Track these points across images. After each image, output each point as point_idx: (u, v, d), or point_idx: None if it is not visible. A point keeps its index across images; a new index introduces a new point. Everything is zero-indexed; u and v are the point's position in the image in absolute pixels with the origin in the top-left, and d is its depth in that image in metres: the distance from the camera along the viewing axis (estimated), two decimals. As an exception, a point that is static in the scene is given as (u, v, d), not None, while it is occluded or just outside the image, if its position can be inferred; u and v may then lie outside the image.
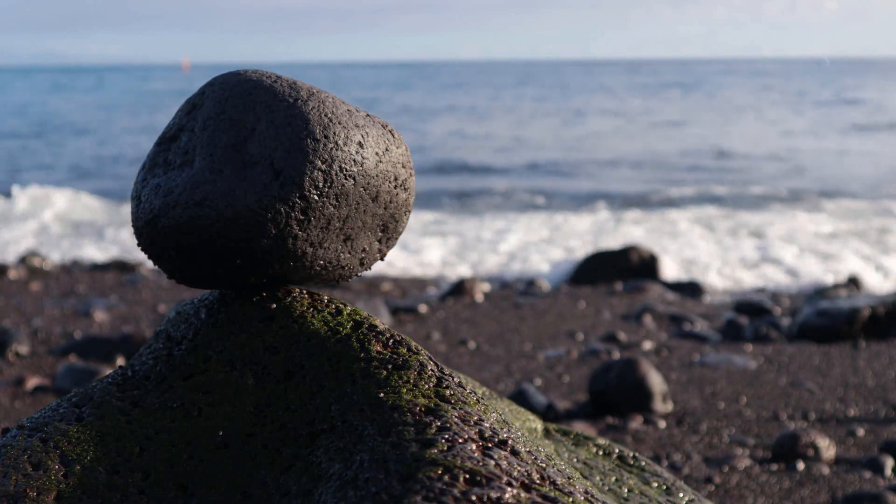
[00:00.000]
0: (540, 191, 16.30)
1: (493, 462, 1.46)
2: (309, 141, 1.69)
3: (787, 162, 20.49)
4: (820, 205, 14.47)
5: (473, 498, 1.36)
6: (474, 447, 1.49)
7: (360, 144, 1.74)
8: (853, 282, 8.86)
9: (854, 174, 18.28)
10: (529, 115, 35.47)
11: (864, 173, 18.45)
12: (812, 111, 35.82)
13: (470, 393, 1.69)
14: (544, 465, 1.57)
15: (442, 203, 15.00)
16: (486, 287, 8.91)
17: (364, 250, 1.83)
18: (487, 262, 10.51)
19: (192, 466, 1.64)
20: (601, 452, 2.15)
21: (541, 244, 11.55)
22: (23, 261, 10.04)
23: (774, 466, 4.32)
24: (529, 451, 1.59)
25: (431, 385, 1.66)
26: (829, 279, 9.31)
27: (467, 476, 1.41)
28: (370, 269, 1.89)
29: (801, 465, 4.30)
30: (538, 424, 2.22)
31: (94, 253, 11.46)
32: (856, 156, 21.48)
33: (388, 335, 1.77)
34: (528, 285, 9.28)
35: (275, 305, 1.81)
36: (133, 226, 1.78)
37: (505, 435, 1.57)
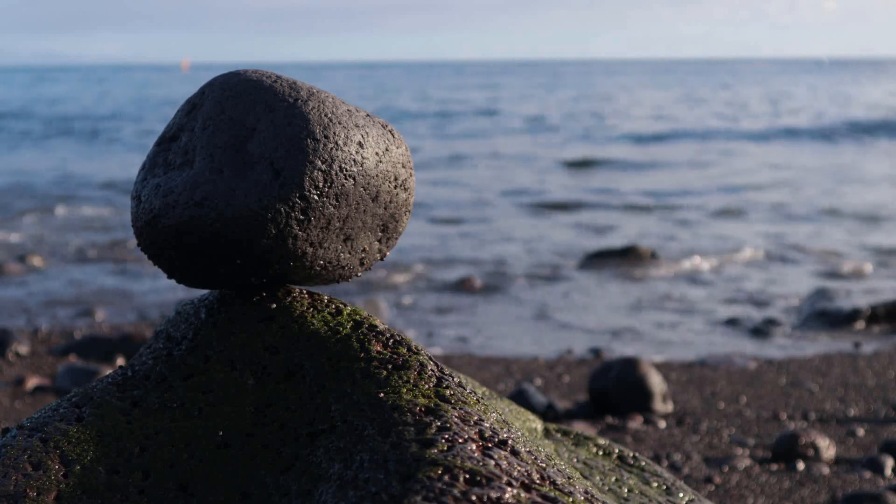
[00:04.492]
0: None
1: (493, 462, 1.46)
2: (309, 141, 1.69)
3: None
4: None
5: (473, 498, 1.36)
6: (474, 447, 1.49)
7: (360, 144, 1.74)
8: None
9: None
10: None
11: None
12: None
13: (470, 393, 1.69)
14: (544, 465, 1.57)
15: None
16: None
17: (364, 250, 1.83)
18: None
19: (192, 466, 1.64)
20: (601, 452, 2.15)
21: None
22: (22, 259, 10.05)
23: (774, 466, 4.32)
24: (529, 451, 1.59)
25: (431, 385, 1.66)
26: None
27: (467, 476, 1.41)
28: (370, 269, 1.89)
29: (801, 465, 4.30)
30: (538, 424, 2.22)
31: None
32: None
33: (388, 335, 1.77)
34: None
35: (275, 305, 1.81)
36: (133, 226, 1.78)
37: (505, 435, 1.57)
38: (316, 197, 1.70)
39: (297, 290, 1.86)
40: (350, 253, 1.81)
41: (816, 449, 4.39)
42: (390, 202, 1.82)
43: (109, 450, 1.65)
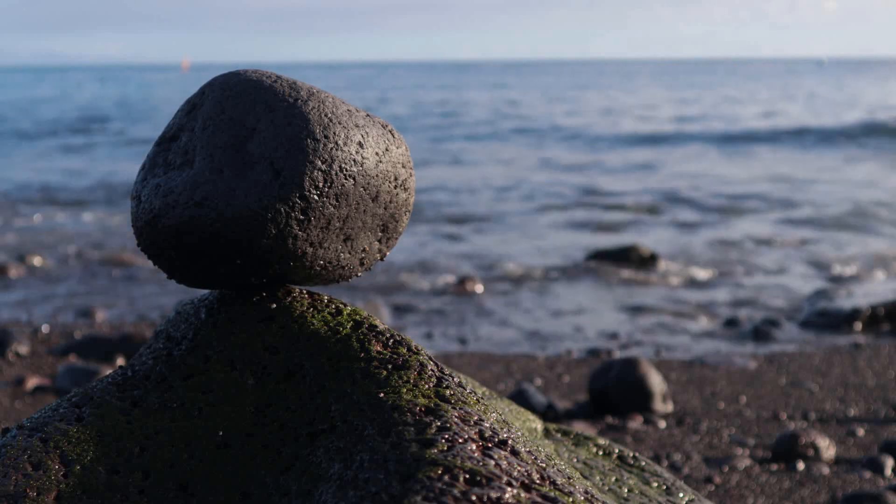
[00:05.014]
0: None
1: (493, 462, 1.46)
2: (309, 141, 1.69)
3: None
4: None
5: (473, 498, 1.36)
6: (474, 447, 1.49)
7: (360, 144, 1.75)
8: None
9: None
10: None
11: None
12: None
13: (470, 393, 1.69)
14: (544, 465, 1.57)
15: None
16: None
17: (364, 250, 1.83)
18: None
19: (192, 466, 1.64)
20: (601, 452, 2.15)
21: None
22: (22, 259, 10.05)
23: (774, 466, 4.32)
24: (529, 451, 1.59)
25: (431, 385, 1.66)
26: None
27: (467, 476, 1.41)
28: (370, 269, 1.89)
29: (801, 465, 4.30)
30: (538, 424, 2.22)
31: None
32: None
33: (388, 335, 1.77)
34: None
35: (275, 305, 1.81)
36: (133, 226, 1.79)
37: (505, 435, 1.57)
38: (316, 197, 1.70)
39: (297, 290, 1.86)
40: (350, 253, 1.81)
41: (816, 449, 4.39)
42: (390, 202, 1.82)
43: (109, 450, 1.66)
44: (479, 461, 1.45)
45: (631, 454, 2.16)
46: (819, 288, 8.53)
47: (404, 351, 1.73)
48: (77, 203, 14.98)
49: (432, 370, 1.70)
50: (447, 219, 13.32)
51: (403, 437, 1.51)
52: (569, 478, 1.62)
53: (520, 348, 6.85)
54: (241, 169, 1.68)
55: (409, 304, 8.23)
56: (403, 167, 1.83)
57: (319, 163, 1.69)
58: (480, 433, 1.54)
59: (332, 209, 1.73)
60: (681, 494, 2.02)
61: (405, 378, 1.66)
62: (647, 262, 9.98)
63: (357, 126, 1.75)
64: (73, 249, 10.92)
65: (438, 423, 1.54)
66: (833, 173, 18.25)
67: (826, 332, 7.28)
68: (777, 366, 6.23)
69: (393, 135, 1.82)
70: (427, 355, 1.75)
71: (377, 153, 1.77)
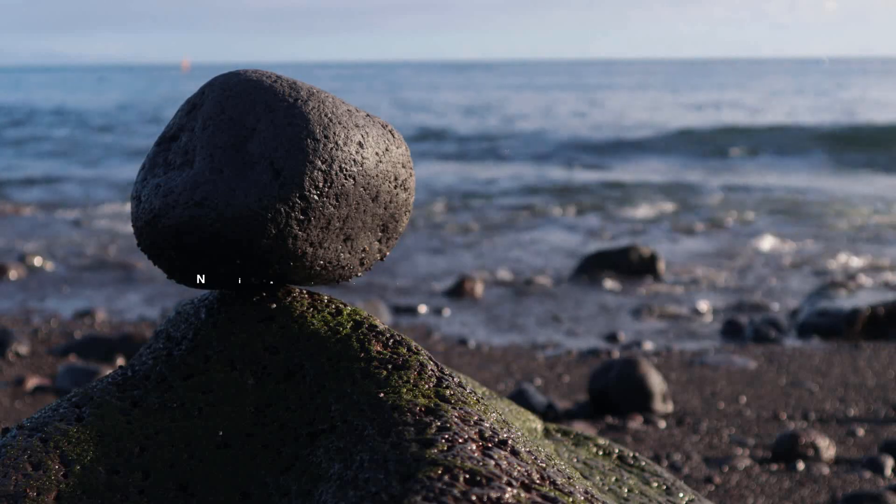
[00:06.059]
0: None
1: (493, 462, 1.46)
2: (309, 141, 1.69)
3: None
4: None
5: (473, 498, 1.36)
6: (474, 447, 1.49)
7: (360, 144, 1.75)
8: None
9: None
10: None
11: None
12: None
13: (470, 393, 1.69)
14: (544, 465, 1.57)
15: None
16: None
17: (364, 250, 1.83)
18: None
19: (192, 466, 1.64)
20: (601, 452, 2.15)
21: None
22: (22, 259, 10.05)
23: (774, 466, 4.32)
24: (529, 451, 1.59)
25: (431, 385, 1.66)
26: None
27: (467, 476, 1.41)
28: (370, 269, 1.89)
29: (801, 465, 4.30)
30: (538, 424, 2.22)
31: None
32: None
33: (388, 335, 1.77)
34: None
35: (275, 305, 1.81)
36: (133, 226, 1.79)
37: (505, 435, 1.57)
38: (316, 197, 1.70)
39: (297, 290, 1.86)
40: (350, 253, 1.81)
41: (816, 449, 4.39)
42: (390, 202, 1.82)
43: (109, 450, 1.66)
44: (479, 461, 1.45)
45: (631, 454, 2.16)
46: (819, 288, 8.53)
47: (404, 351, 1.73)
48: (77, 203, 14.97)
49: (432, 370, 1.70)
50: (448, 219, 13.32)
51: (403, 437, 1.51)
52: (569, 478, 1.63)
53: (520, 348, 6.85)
54: (241, 169, 1.68)
55: (409, 304, 8.23)
56: (403, 167, 1.83)
57: (319, 163, 1.69)
58: (480, 433, 1.54)
59: (332, 209, 1.73)
60: (681, 494, 2.02)
61: (405, 378, 1.66)
62: (647, 262, 9.98)
63: (357, 126, 1.75)
64: (74, 249, 10.92)
65: (438, 423, 1.54)
66: (833, 174, 18.25)
67: (826, 331, 7.28)
68: (777, 366, 6.23)
69: (393, 135, 1.82)
70: (427, 355, 1.75)
71: (377, 153, 1.77)
